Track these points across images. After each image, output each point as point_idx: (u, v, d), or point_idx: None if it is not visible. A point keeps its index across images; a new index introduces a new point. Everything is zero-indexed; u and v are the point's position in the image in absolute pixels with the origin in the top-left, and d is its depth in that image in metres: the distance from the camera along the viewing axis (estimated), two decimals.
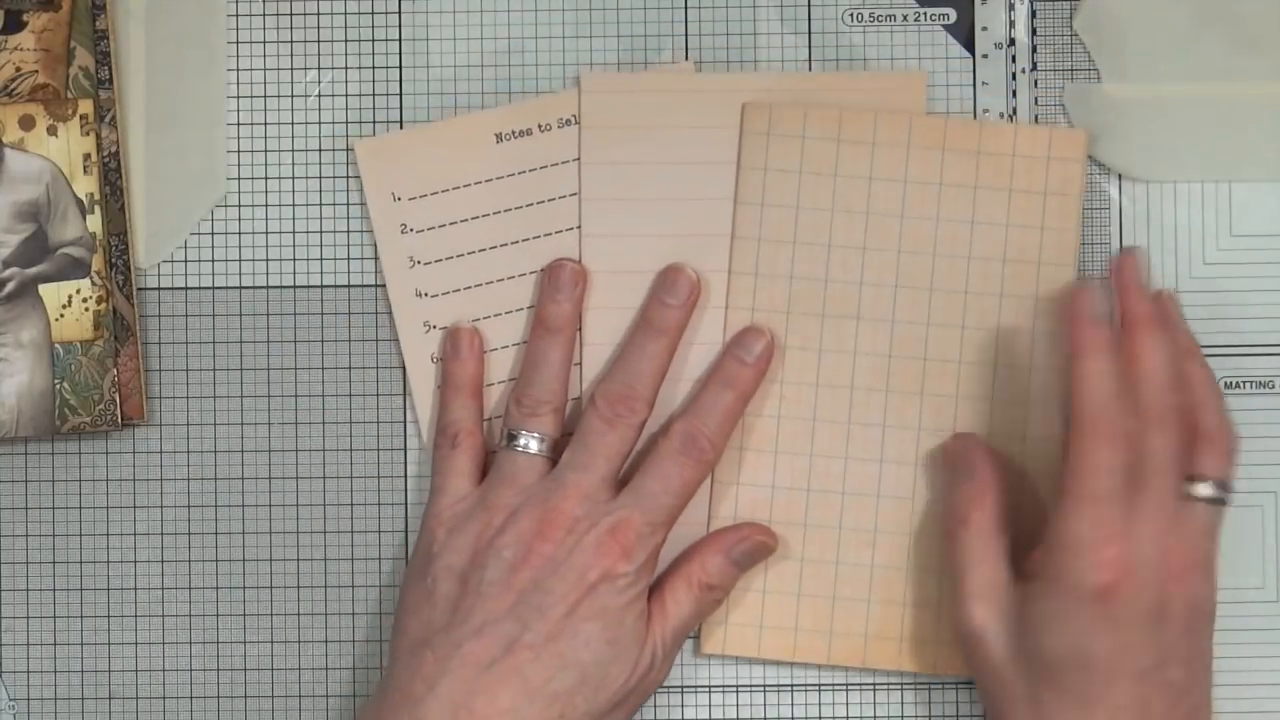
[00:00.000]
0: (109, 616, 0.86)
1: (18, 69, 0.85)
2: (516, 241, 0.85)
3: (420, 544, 0.82)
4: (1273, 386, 0.86)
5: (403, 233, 0.86)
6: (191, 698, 0.86)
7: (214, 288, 0.86)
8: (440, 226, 0.85)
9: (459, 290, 0.85)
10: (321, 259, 0.86)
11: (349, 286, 0.86)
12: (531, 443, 0.82)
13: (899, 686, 0.85)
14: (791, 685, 0.86)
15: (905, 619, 0.84)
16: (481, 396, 0.84)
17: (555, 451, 0.82)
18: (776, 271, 0.84)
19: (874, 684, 0.85)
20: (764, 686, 0.86)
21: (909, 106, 0.85)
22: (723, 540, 0.83)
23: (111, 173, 0.85)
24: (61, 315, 0.84)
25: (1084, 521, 0.77)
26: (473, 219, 0.85)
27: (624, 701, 0.80)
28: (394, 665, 0.81)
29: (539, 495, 0.81)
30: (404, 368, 0.85)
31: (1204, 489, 0.78)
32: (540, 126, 0.85)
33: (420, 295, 0.85)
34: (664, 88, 0.85)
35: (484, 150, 0.85)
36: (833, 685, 0.85)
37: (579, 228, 0.85)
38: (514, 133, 0.85)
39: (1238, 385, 0.86)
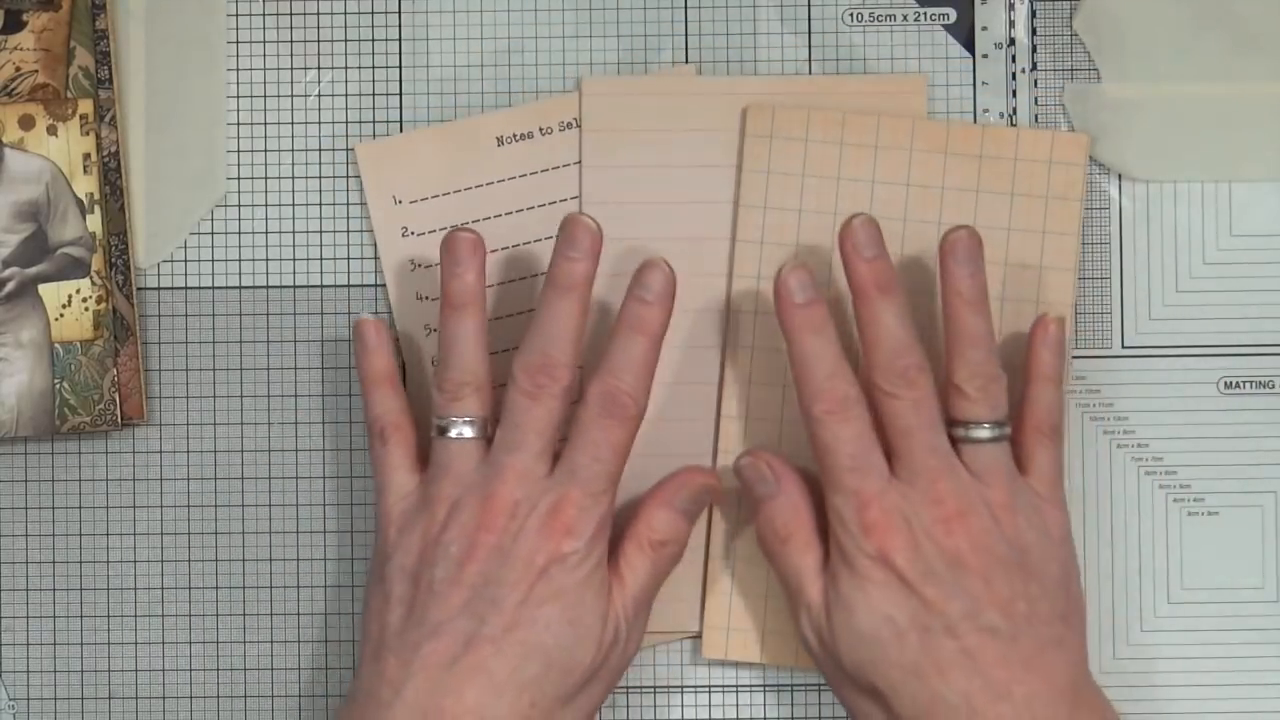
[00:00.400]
0: (109, 616, 0.86)
1: (18, 69, 0.85)
2: (518, 244, 0.85)
3: (376, 545, 0.81)
4: (1273, 386, 0.86)
5: (404, 236, 0.85)
6: (191, 698, 0.86)
7: (214, 288, 0.86)
8: (441, 229, 0.85)
9: None
10: (321, 259, 0.86)
11: (349, 286, 0.86)
12: (465, 429, 0.79)
13: None
14: (791, 685, 0.86)
15: None
16: (400, 386, 0.82)
17: (488, 432, 0.80)
18: None
19: None
20: (764, 686, 0.86)
21: (911, 109, 0.85)
22: (663, 493, 0.81)
23: (111, 173, 0.85)
24: (61, 315, 0.84)
25: (839, 496, 0.77)
26: (474, 222, 0.85)
27: (595, 678, 0.79)
28: (360, 671, 0.80)
29: (477, 484, 0.79)
30: (403, 368, 0.85)
31: (978, 432, 0.78)
32: (541, 130, 0.85)
33: (421, 298, 0.85)
34: (665, 91, 0.85)
35: (485, 153, 0.85)
36: None
37: None
38: (515, 136, 0.85)
39: (1238, 385, 0.86)
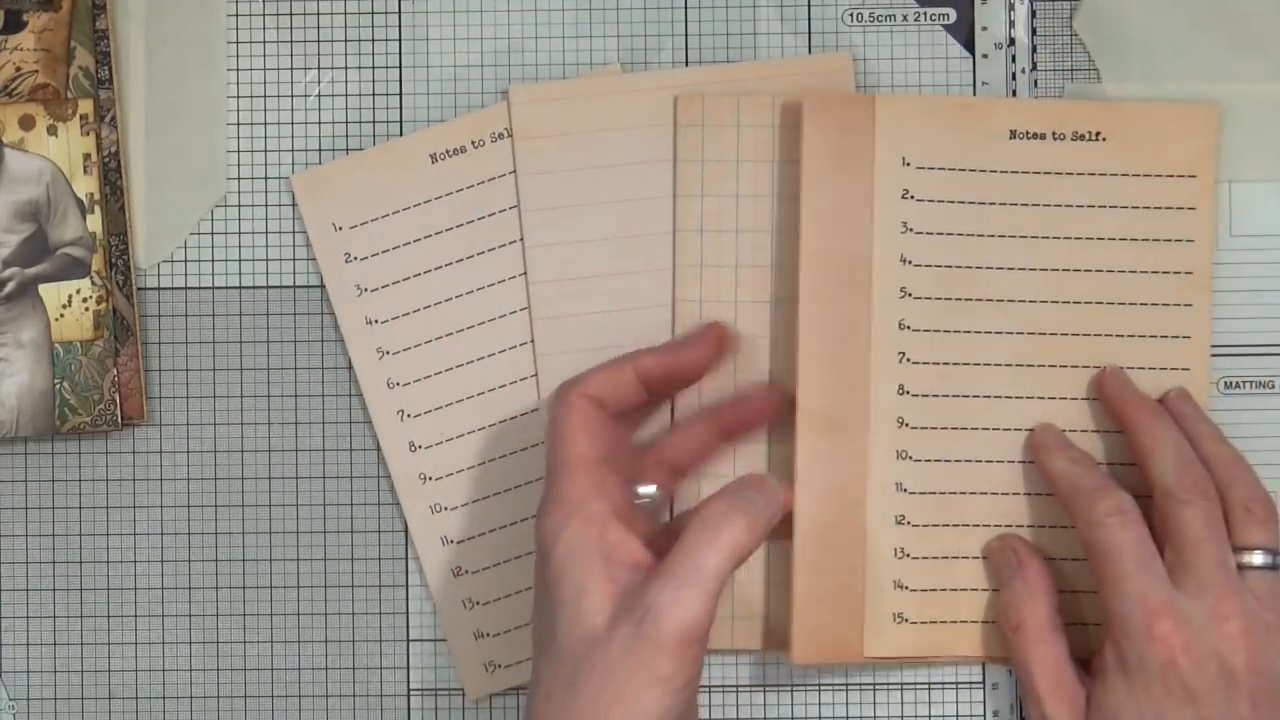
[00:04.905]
0: (109, 616, 0.86)
1: (18, 69, 0.85)
2: (460, 260, 0.85)
3: None
4: (1273, 386, 0.86)
5: (347, 262, 0.85)
6: (191, 698, 0.86)
7: (214, 288, 0.86)
8: (383, 252, 0.85)
9: (408, 314, 0.85)
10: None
11: None
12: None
13: (899, 687, 0.85)
14: (791, 685, 0.86)
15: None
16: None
17: None
18: (721, 261, 0.84)
19: (874, 684, 0.85)
20: (764, 686, 0.86)
21: (838, 88, 0.85)
22: None
23: (111, 173, 0.85)
24: (61, 315, 0.85)
25: (1123, 601, 0.77)
26: (415, 241, 0.85)
27: None
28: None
29: None
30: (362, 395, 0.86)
31: (1255, 558, 0.78)
32: (474, 143, 0.85)
33: (370, 322, 0.85)
34: (593, 92, 0.85)
35: (420, 172, 0.85)
36: (832, 685, 0.85)
37: (521, 240, 0.85)
38: (448, 151, 0.85)
39: (1238, 385, 0.86)
